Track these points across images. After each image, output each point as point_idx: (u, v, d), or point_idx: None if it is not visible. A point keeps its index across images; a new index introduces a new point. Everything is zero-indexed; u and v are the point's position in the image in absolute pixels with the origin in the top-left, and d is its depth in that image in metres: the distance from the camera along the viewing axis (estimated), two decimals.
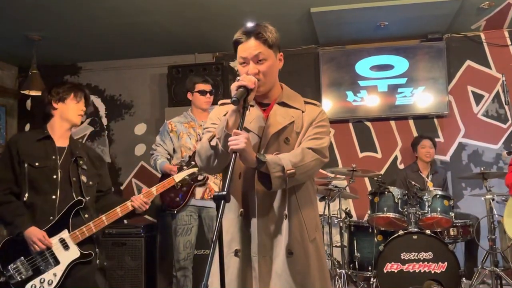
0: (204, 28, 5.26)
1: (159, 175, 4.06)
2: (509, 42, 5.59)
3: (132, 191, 6.00)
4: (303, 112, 2.13)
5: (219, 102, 2.27)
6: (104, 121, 6.31)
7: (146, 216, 5.97)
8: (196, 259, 4.07)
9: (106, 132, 6.29)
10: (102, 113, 6.31)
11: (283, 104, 2.13)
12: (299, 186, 2.06)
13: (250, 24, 2.11)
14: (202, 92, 3.97)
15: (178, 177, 2.87)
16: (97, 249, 2.70)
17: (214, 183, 3.89)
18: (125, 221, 5.91)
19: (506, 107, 4.33)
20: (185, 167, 2.87)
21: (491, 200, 4.39)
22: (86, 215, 2.70)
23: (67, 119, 2.80)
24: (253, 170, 1.99)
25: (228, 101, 2.06)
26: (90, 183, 2.79)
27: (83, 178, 2.74)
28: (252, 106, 2.10)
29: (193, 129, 4.00)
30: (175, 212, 3.88)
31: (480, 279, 4.45)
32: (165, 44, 5.72)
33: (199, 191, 3.87)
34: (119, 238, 5.06)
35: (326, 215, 4.79)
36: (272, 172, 1.90)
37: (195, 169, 2.87)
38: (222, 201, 1.59)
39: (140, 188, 6.02)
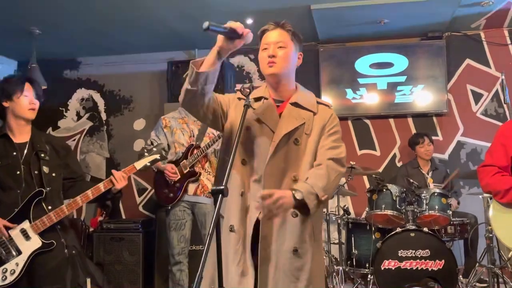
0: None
1: (155, 170, 4.07)
2: (508, 41, 5.59)
3: (131, 186, 6.00)
4: (314, 114, 2.18)
5: (237, 95, 2.26)
6: (103, 116, 6.31)
7: (145, 211, 5.99)
8: (191, 255, 4.08)
9: (105, 127, 6.29)
10: (101, 108, 6.31)
11: (295, 105, 2.17)
12: None
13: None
14: None
15: (139, 164, 2.87)
16: (62, 239, 2.71)
17: (207, 179, 3.93)
18: (124, 216, 5.99)
19: (505, 106, 4.34)
20: (146, 154, 2.88)
21: (488, 199, 4.39)
22: (50, 206, 2.71)
23: (19, 115, 2.78)
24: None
25: (243, 97, 2.12)
26: (53, 174, 2.79)
27: (45, 169, 2.76)
28: (266, 98, 2.17)
29: (186, 125, 4.02)
30: (169, 207, 3.94)
31: (477, 277, 4.46)
32: (165, 40, 5.72)
33: (191, 187, 3.90)
34: (117, 233, 5.07)
35: (324, 212, 4.80)
36: (309, 204, 1.99)
37: (156, 156, 2.88)
38: (220, 195, 1.60)
39: (138, 183, 6.04)
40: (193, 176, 3.90)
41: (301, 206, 2.01)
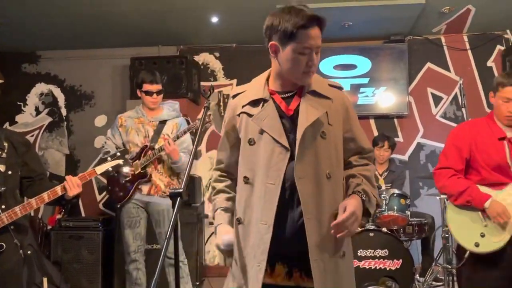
0: (169, 21, 5.20)
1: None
2: (467, 46, 5.75)
3: (91, 184, 5.90)
4: (332, 100, 1.94)
5: (232, 94, 2.08)
6: (63, 111, 6.16)
7: (105, 209, 5.89)
8: (147, 254, 4.07)
9: (65, 123, 6.15)
10: (62, 103, 6.16)
11: (313, 93, 1.92)
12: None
13: (309, 10, 1.84)
14: (148, 93, 3.91)
15: (99, 169, 2.83)
16: (15, 240, 2.61)
17: (160, 179, 3.89)
18: (83, 214, 5.88)
19: (462, 109, 4.44)
20: (109, 159, 2.84)
21: (445, 200, 4.50)
22: (3, 206, 2.62)
23: None
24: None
25: (241, 89, 2.02)
26: (9, 172, 2.69)
27: (1, 168, 2.67)
28: (266, 100, 1.93)
29: (142, 125, 3.97)
30: (118, 206, 3.93)
31: (434, 276, 4.58)
32: (129, 36, 5.63)
33: (145, 187, 3.87)
34: (76, 231, 4.97)
35: None
36: (371, 212, 1.93)
37: (119, 161, 2.85)
38: (178, 198, 1.58)
39: (99, 181, 5.93)
40: (144, 178, 3.85)
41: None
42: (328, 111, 1.91)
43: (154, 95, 3.92)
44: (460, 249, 2.77)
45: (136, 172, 3.83)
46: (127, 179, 3.87)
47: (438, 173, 2.86)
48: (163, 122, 3.97)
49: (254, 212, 1.86)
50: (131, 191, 3.85)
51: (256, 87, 1.99)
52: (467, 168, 2.79)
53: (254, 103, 1.94)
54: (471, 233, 2.68)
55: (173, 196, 1.60)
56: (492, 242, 2.61)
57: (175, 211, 1.55)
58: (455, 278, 4.44)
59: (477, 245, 2.64)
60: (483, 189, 2.70)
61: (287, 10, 1.84)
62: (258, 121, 1.89)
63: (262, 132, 1.88)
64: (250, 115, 1.92)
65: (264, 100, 1.93)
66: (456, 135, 2.85)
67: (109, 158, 2.88)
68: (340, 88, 2.02)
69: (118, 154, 2.88)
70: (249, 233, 1.87)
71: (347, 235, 1.80)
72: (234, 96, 2.05)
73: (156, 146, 3.82)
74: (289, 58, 1.84)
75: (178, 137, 3.77)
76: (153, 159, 3.81)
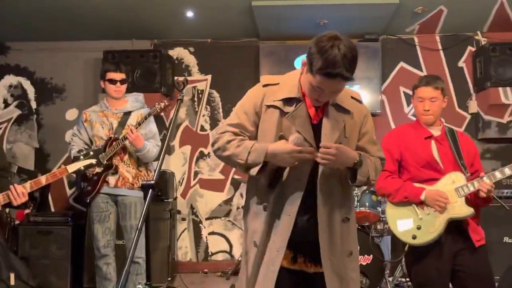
0: (143, 14, 5.14)
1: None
2: (439, 47, 5.85)
3: (61, 179, 5.78)
4: (352, 114, 2.11)
5: (264, 82, 2.18)
6: (33, 104, 6.03)
7: (75, 204, 5.80)
8: (117, 249, 4.01)
9: (35, 116, 6.02)
10: (31, 96, 6.02)
11: (336, 106, 2.08)
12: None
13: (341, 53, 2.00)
14: (112, 81, 3.88)
15: (71, 167, 2.79)
16: None
17: (127, 171, 3.86)
18: (52, 209, 5.77)
19: None
20: (81, 158, 2.81)
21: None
22: None
23: None
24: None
25: (273, 81, 2.09)
26: None
27: None
28: (299, 100, 2.05)
29: (106, 118, 3.93)
30: (88, 200, 3.89)
31: (402, 272, 4.65)
32: (101, 28, 5.54)
33: (112, 179, 3.83)
34: (45, 226, 4.89)
35: None
36: (360, 175, 2.03)
37: (92, 160, 2.83)
38: (150, 190, 1.57)
39: (69, 176, 5.81)
40: (110, 169, 3.81)
41: (348, 176, 2.06)
42: (347, 124, 2.07)
43: (118, 83, 3.89)
44: (400, 243, 2.90)
45: (102, 164, 3.79)
46: (94, 172, 3.82)
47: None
48: (127, 114, 3.94)
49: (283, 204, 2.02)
50: (99, 184, 3.80)
51: (290, 84, 2.09)
52: (399, 168, 2.97)
53: (288, 100, 2.05)
54: (407, 227, 2.82)
55: (145, 188, 1.59)
56: (428, 233, 2.75)
57: (147, 202, 1.53)
58: None
59: (414, 237, 2.78)
60: (417, 185, 2.85)
61: (327, 43, 1.97)
62: (291, 120, 2.01)
63: (294, 131, 2.00)
64: (283, 112, 2.03)
65: (298, 100, 2.05)
66: (386, 140, 3.04)
67: (81, 157, 2.84)
68: (360, 101, 2.19)
69: (91, 153, 2.85)
70: (278, 222, 2.02)
71: (328, 164, 1.95)
72: (265, 86, 2.14)
73: (120, 137, 3.79)
74: (306, 82, 2.00)
75: (139, 124, 3.75)
76: (117, 149, 3.77)
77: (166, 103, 3.73)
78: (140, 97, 4.11)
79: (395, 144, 2.97)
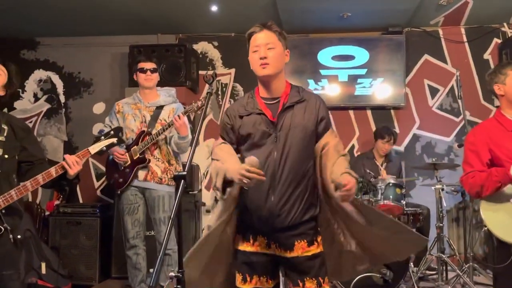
0: (168, 9, 5.20)
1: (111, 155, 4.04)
2: (464, 39, 5.78)
3: (89, 171, 5.92)
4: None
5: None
6: (62, 98, 6.17)
7: (103, 196, 5.93)
8: (147, 239, 4.09)
9: (64, 110, 6.16)
10: (60, 90, 6.17)
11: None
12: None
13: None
14: (142, 70, 3.93)
15: (93, 148, 2.82)
16: (5, 224, 2.59)
17: (156, 165, 3.91)
18: (81, 201, 5.91)
19: (459, 101, 4.49)
20: (102, 138, 2.81)
21: (440, 190, 4.58)
22: None
23: None
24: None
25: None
26: (6, 156, 2.68)
27: None
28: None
29: (139, 111, 3.98)
30: (119, 192, 3.95)
31: (427, 265, 4.65)
32: (128, 23, 5.63)
33: (141, 173, 3.89)
34: (74, 217, 5.02)
35: None
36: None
37: (113, 140, 2.83)
38: (182, 181, 1.62)
39: (97, 168, 5.96)
40: (142, 163, 3.87)
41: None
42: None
43: (148, 72, 3.93)
44: (504, 247, 2.65)
45: (135, 158, 3.87)
46: (126, 165, 3.91)
47: (464, 179, 2.80)
48: (160, 108, 3.99)
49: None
50: (131, 177, 3.87)
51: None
52: (493, 167, 2.74)
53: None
54: (508, 226, 2.61)
55: (177, 178, 1.64)
56: None
57: (179, 193, 1.59)
58: (448, 267, 4.53)
59: None
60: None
61: None
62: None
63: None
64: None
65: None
66: (470, 141, 2.83)
67: (102, 137, 2.85)
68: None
69: (112, 132, 2.86)
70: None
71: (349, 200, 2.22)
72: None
73: (154, 132, 3.85)
74: (250, 59, 2.34)
75: (186, 113, 3.77)
76: (150, 144, 3.84)
77: (202, 102, 3.70)
78: (172, 91, 4.15)
79: (482, 143, 2.76)
